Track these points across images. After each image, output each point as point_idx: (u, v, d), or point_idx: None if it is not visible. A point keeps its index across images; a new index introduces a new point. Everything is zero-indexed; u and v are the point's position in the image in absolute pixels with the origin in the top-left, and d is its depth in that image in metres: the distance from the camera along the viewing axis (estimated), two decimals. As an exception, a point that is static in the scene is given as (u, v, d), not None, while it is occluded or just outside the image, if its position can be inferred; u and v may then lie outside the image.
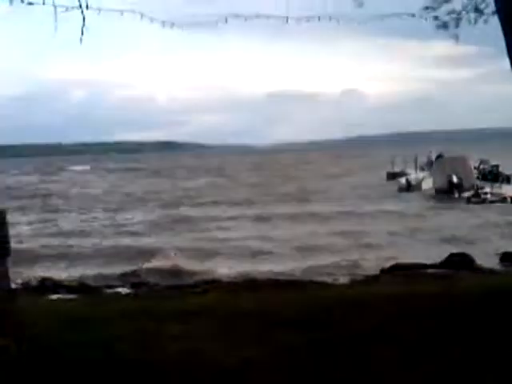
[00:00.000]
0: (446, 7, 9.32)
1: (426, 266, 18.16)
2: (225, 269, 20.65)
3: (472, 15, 9.34)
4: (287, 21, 11.79)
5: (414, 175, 57.83)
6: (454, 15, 9.28)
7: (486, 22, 9.35)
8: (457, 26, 9.43)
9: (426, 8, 9.40)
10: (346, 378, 5.39)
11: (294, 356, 6.02)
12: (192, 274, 18.73)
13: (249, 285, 14.20)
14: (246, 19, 10.28)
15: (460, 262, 17.65)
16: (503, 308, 7.16)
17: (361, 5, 9.63)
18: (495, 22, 8.57)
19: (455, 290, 9.27)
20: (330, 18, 10.98)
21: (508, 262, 18.72)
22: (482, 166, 54.89)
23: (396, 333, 6.63)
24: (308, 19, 11.06)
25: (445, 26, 9.44)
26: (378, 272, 17.70)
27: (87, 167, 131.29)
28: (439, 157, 55.28)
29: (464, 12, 9.29)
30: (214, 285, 14.77)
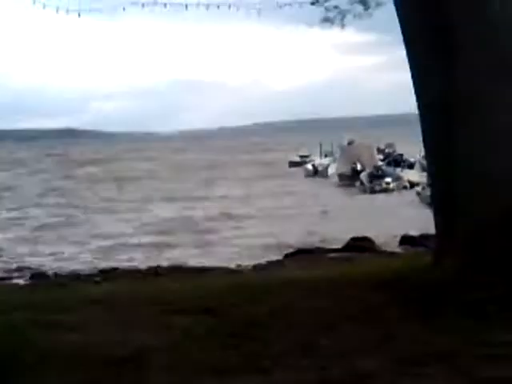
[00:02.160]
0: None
1: (328, 250, 18.51)
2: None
3: (358, 8, 9.53)
4: (186, 8, 11.74)
5: (318, 161, 58.93)
6: (337, 10, 9.44)
7: (371, 15, 9.58)
8: (342, 19, 9.58)
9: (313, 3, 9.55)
10: (238, 361, 5.41)
11: (190, 341, 6.01)
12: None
13: (151, 272, 14.10)
14: (143, 6, 10.18)
15: (361, 246, 18.05)
16: (395, 287, 7.35)
17: None
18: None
19: (354, 273, 9.46)
20: (230, 6, 11.01)
21: (406, 244, 19.31)
22: (387, 150, 56.24)
23: (292, 317, 6.71)
24: (207, 6, 11.06)
25: (329, 20, 9.59)
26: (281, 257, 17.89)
27: None
28: (350, 143, 56.41)
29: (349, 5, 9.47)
30: (115, 273, 14.57)
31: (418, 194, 33.04)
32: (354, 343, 5.75)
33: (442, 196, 7.99)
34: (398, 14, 8.14)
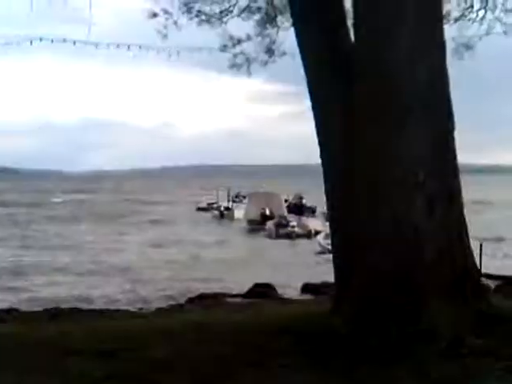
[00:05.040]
0: (240, 47, 9.81)
1: (231, 296, 18.57)
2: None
3: (263, 56, 9.89)
4: (96, 47, 11.80)
5: (226, 206, 60.16)
6: (243, 56, 9.79)
7: (274, 61, 9.95)
8: (248, 66, 9.94)
9: (224, 46, 9.84)
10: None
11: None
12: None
13: (50, 314, 13.78)
14: (52, 41, 10.16)
15: (263, 292, 18.20)
16: (293, 334, 7.47)
17: (165, 37, 9.90)
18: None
19: (254, 319, 9.54)
20: (140, 47, 11.14)
21: (308, 292, 19.59)
22: (291, 200, 58.13)
23: (191, 362, 6.72)
24: (118, 45, 11.17)
25: (236, 65, 9.93)
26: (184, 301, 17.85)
27: None
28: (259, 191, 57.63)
29: (255, 53, 9.82)
30: (12, 314, 14.15)
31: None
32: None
33: (340, 246, 8.24)
34: (302, 60, 8.49)
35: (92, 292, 22.10)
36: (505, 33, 10.19)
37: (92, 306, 16.84)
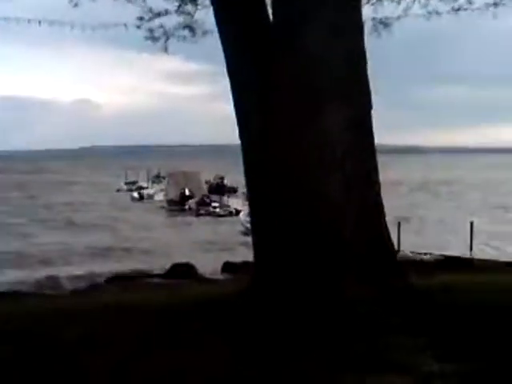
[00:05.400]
0: (158, 20, 9.61)
1: (150, 276, 18.42)
2: None
3: (183, 32, 9.71)
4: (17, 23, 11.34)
5: (146, 187, 59.96)
6: (161, 30, 9.60)
7: (195, 41, 9.78)
8: (166, 40, 9.74)
9: (140, 18, 9.63)
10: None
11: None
12: None
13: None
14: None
15: (183, 272, 18.12)
16: (209, 313, 7.40)
17: (76, 5, 9.58)
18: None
19: (171, 298, 9.44)
20: (53, 22, 10.75)
21: (228, 271, 19.60)
22: (212, 180, 58.42)
23: (107, 339, 6.56)
24: (29, 21, 10.75)
25: (153, 38, 9.71)
26: (102, 281, 17.60)
27: None
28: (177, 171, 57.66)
29: (174, 28, 9.64)
30: None
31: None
32: (164, 370, 5.70)
33: (259, 225, 8.18)
34: (221, 39, 8.37)
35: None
36: (425, 16, 10.31)
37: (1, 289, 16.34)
